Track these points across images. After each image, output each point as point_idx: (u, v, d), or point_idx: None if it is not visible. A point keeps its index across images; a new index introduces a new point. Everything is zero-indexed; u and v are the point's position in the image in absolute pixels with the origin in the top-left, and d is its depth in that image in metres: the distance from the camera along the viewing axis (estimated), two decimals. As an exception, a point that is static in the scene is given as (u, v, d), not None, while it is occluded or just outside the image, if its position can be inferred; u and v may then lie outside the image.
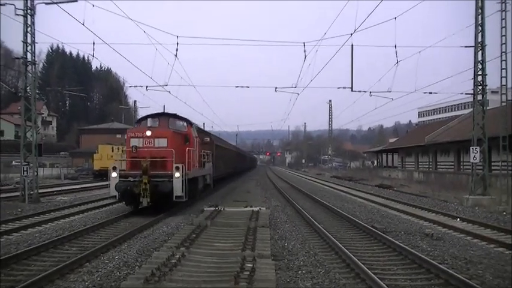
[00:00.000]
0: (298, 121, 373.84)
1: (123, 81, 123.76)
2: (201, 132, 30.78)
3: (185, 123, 24.09)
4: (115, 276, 9.98)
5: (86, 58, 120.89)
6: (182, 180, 19.88)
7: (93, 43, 25.35)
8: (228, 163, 46.09)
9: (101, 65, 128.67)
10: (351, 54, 28.93)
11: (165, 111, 25.64)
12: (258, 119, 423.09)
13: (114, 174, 20.11)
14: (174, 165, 19.87)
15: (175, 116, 24.30)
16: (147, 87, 29.07)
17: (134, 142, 20.59)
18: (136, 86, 30.44)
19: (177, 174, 19.78)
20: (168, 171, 20.11)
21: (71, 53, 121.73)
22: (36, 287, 9.03)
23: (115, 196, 20.16)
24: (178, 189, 19.81)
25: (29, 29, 26.23)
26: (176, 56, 26.39)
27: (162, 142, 20.59)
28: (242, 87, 32.65)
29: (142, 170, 19.31)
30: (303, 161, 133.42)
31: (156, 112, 25.74)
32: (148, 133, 20.54)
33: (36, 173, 27.14)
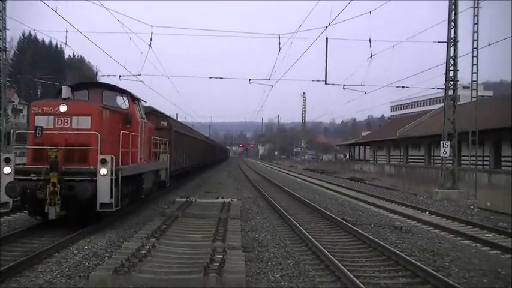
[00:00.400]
0: (271, 113, 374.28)
1: (96, 70, 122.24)
2: (155, 114, 26.56)
3: (126, 99, 17.31)
4: (84, 266, 9.88)
5: (59, 46, 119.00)
6: (112, 180, 13.42)
7: (66, 31, 24.99)
8: (193, 155, 38.63)
9: (73, 54, 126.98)
10: (326, 48, 29.07)
11: (99, 81, 19.43)
12: (231, 110, 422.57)
13: (7, 170, 13.42)
14: (99, 157, 13.41)
15: (113, 88, 17.72)
16: (120, 76, 28.76)
17: (40, 121, 13.94)
18: (109, 76, 30.06)
19: (103, 171, 13.30)
20: (91, 165, 13.69)
21: (43, 41, 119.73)
22: (3, 278, 8.92)
23: (7, 204, 13.31)
24: (104, 193, 13.25)
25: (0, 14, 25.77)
26: (150, 45, 26.17)
27: (84, 122, 14.10)
28: (216, 78, 32.29)
29: (50, 163, 13.00)
30: (276, 153, 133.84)
31: (84, 81, 19.52)
32: (63, 108, 14.04)
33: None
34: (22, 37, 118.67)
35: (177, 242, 11.72)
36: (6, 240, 12.26)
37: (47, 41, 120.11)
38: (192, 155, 38.01)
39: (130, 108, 17.13)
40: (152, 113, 25.10)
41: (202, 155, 48.44)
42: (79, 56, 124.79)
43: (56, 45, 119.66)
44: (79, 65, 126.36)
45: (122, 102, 17.33)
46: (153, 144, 20.42)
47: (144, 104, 19.64)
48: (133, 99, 17.57)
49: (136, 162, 17.00)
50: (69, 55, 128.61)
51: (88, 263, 10.14)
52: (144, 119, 18.63)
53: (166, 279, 8.59)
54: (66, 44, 25.95)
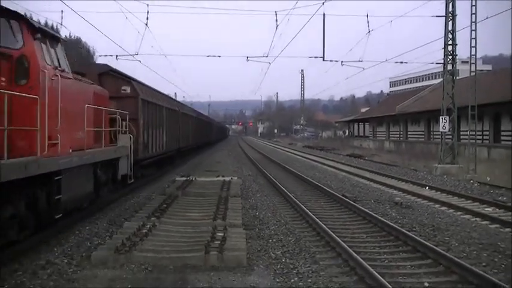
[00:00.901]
0: (270, 91, 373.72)
1: (93, 51, 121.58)
2: (113, 75, 18.86)
3: (19, 31, 9.18)
4: (86, 246, 9.92)
5: (55, 27, 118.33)
6: None
7: (62, 11, 24.72)
8: (178, 134, 29.94)
9: (70, 34, 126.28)
10: (323, 24, 28.92)
11: None
12: (230, 89, 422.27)
13: None
14: None
15: None
16: (117, 56, 28.64)
17: None
18: (106, 55, 29.95)
19: None
20: None
21: (39, 22, 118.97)
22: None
23: None
24: None
25: (-7, -4, 25.38)
26: (147, 24, 25.97)
27: None
28: (214, 56, 32.34)
29: None
30: (275, 131, 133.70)
31: None
32: None
33: None
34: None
35: (178, 220, 11.75)
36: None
37: (42, 22, 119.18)
38: (177, 135, 29.51)
39: (27, 47, 9.20)
40: (108, 74, 18.38)
41: (193, 135, 39.00)
42: (75, 37, 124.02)
43: (52, 26, 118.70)
44: (75, 45, 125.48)
45: (15, 40, 9.22)
46: (101, 120, 13.07)
47: (63, 43, 11.74)
48: (33, 31, 9.46)
49: (37, 152, 8.76)
50: (65, 36, 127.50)
51: (89, 243, 10.17)
52: (61, 70, 10.29)
53: (168, 257, 8.63)
54: (62, 24, 25.77)
